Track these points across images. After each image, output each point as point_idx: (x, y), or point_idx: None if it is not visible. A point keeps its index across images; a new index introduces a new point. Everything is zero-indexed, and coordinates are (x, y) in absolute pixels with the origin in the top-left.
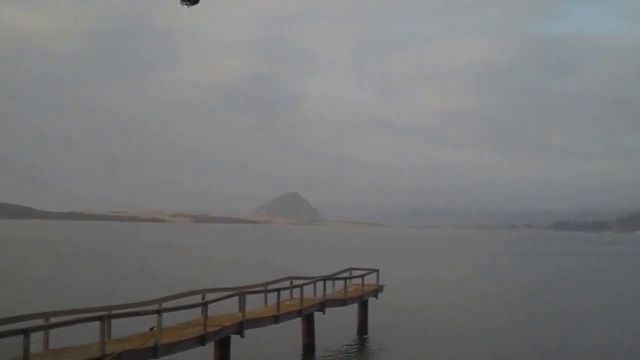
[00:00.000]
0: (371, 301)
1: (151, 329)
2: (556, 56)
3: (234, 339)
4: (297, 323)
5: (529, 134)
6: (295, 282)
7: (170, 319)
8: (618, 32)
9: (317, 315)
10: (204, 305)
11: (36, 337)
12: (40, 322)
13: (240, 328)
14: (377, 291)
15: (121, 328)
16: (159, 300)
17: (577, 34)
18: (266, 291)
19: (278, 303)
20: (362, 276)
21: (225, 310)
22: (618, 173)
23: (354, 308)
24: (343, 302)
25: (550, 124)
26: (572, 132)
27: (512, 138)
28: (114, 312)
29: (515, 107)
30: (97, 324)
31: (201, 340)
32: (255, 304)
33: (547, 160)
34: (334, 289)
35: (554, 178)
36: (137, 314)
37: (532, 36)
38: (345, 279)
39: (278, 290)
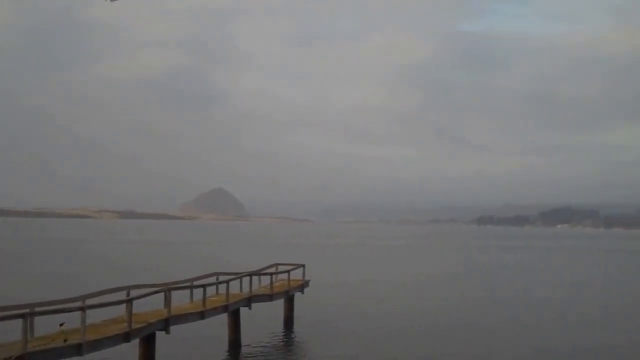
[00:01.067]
0: (297, 296)
1: (61, 325)
2: (479, 54)
3: (160, 335)
4: (223, 319)
5: (452, 130)
6: (222, 278)
7: (95, 316)
8: (539, 31)
9: (244, 311)
10: (129, 301)
11: None
12: None
13: (165, 324)
14: (303, 286)
15: (44, 327)
16: (83, 297)
17: (499, 32)
18: (192, 287)
19: (204, 299)
20: (288, 271)
21: (151, 307)
22: (539, 169)
23: (280, 303)
24: (269, 297)
25: (473, 121)
26: (495, 128)
27: (436, 134)
28: (37, 309)
29: (438, 103)
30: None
31: (126, 337)
32: (181, 301)
33: (471, 156)
34: (260, 284)
35: (477, 174)
36: (62, 310)
37: (455, 34)
38: (271, 274)
39: (204, 286)
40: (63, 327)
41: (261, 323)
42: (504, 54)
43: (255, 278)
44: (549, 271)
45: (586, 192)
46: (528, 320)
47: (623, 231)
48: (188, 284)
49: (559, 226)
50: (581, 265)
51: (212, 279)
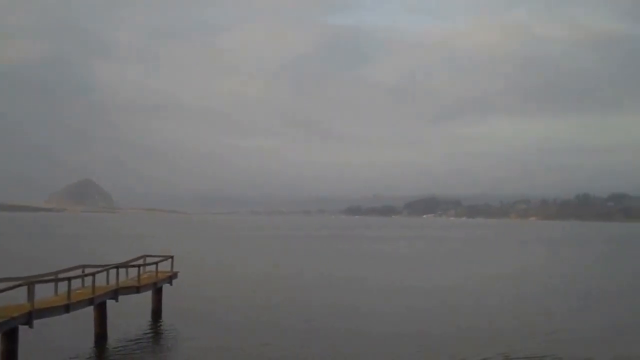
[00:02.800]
0: (165, 288)
1: None
2: (349, 47)
3: (23, 329)
4: (89, 312)
5: (323, 123)
6: (88, 271)
7: None
8: (407, 25)
9: (110, 304)
10: None
11: None
12: None
13: (28, 318)
14: (171, 278)
15: None
16: None
17: (368, 26)
18: (57, 280)
19: (69, 292)
20: (156, 263)
21: (13, 301)
22: (406, 161)
23: (148, 295)
24: (137, 289)
25: (344, 114)
26: (364, 121)
27: (307, 127)
28: None
29: (310, 96)
30: None
31: None
32: (45, 294)
33: (340, 148)
34: (128, 276)
35: (347, 165)
36: None
37: (326, 27)
38: (139, 266)
39: (69, 279)
40: None
41: (128, 316)
42: (372, 48)
43: (122, 270)
44: (395, 258)
45: (450, 183)
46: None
47: (484, 220)
48: (53, 277)
49: (424, 216)
50: (437, 252)
51: (78, 272)
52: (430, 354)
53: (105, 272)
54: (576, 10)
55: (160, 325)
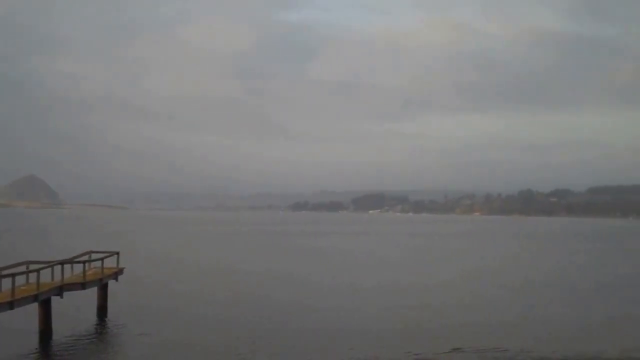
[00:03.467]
0: (111, 284)
1: None
2: (295, 43)
3: None
4: (33, 309)
5: (269, 118)
6: (33, 267)
7: None
8: (354, 22)
9: (55, 300)
10: None
11: None
12: None
13: None
14: (117, 274)
15: None
16: None
17: (315, 23)
18: (0, 276)
19: (13, 288)
20: (102, 259)
21: None
22: (353, 157)
23: (93, 291)
24: (82, 285)
25: (290, 110)
26: (311, 117)
27: (253, 123)
28: None
29: (257, 92)
30: None
31: None
32: None
33: (287, 144)
34: (73, 272)
35: (293, 161)
36: None
37: (273, 23)
38: (84, 262)
39: (13, 275)
40: None
41: (74, 312)
42: (319, 45)
43: (67, 266)
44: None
45: (397, 179)
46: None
47: (430, 216)
48: None
49: (370, 211)
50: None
51: (22, 268)
52: (384, 350)
53: (50, 269)
54: (518, 9)
55: (106, 321)
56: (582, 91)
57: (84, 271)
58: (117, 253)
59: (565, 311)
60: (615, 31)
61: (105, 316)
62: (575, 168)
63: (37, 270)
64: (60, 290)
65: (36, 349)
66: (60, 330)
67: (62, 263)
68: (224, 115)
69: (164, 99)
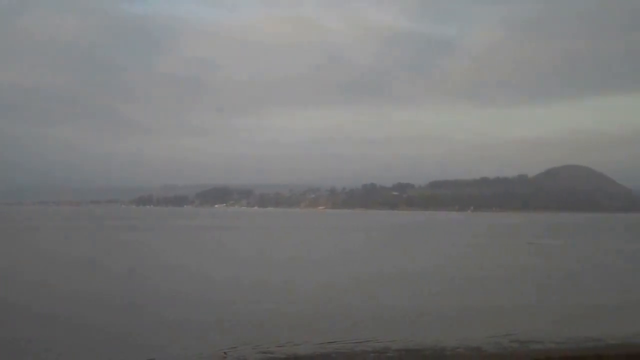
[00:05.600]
0: None
1: None
2: (141, 36)
3: None
4: None
5: (112, 111)
6: None
7: None
8: (200, 16)
9: None
10: None
11: None
12: None
13: None
14: None
15: None
16: None
17: (161, 16)
18: None
19: None
20: None
21: None
22: (198, 150)
23: None
24: None
25: (135, 103)
26: (155, 110)
27: (96, 115)
28: None
29: (99, 84)
30: None
31: None
32: None
33: (131, 137)
34: None
35: (138, 155)
36: None
37: (117, 14)
38: None
39: None
40: None
41: None
42: (165, 38)
43: None
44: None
45: (242, 172)
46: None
47: (275, 209)
48: None
49: (216, 205)
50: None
51: None
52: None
53: None
54: (364, 6)
55: None
56: (424, 88)
57: None
58: None
59: (402, 303)
60: (452, 31)
61: None
62: (417, 162)
63: None
64: None
65: None
66: None
67: None
68: (66, 108)
69: (3, 91)
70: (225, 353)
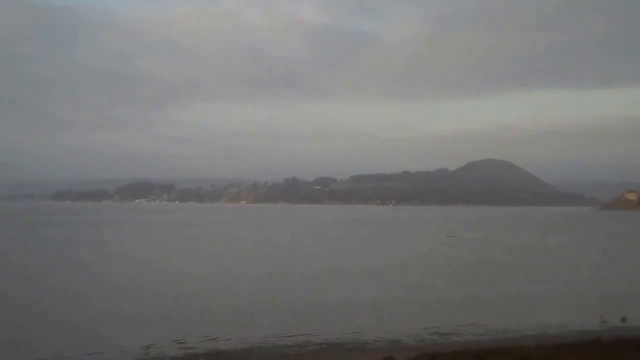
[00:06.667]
0: None
1: None
2: (58, 27)
3: None
4: None
5: (28, 104)
6: None
7: None
8: (120, 8)
9: None
10: None
11: None
12: None
13: None
14: None
15: None
16: None
17: (79, 7)
18: None
19: None
20: None
21: None
22: (117, 144)
23: None
24: None
25: (51, 95)
26: (72, 103)
27: (12, 108)
28: None
29: (14, 77)
30: None
31: None
32: None
33: (47, 129)
34: None
35: (55, 148)
36: None
37: (31, 5)
38: None
39: None
40: None
41: None
42: (83, 30)
43: None
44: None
45: (163, 167)
46: None
47: (197, 204)
48: None
49: (136, 200)
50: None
51: None
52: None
53: None
54: (285, 0)
55: None
56: (345, 82)
57: None
58: None
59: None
60: (373, 26)
61: None
62: (339, 157)
63: None
64: None
65: None
66: None
67: None
68: None
69: None
70: (146, 349)
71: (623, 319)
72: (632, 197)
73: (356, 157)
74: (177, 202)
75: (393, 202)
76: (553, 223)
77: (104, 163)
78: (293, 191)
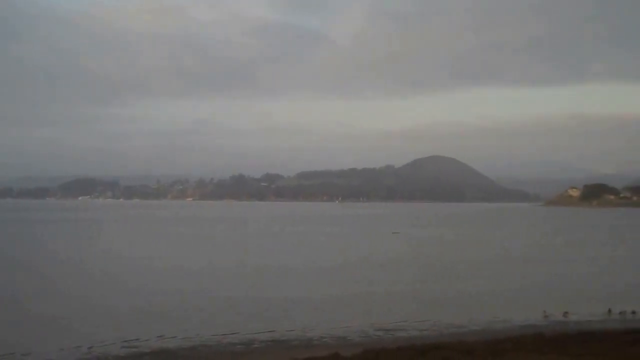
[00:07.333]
0: None
1: None
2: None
3: None
4: None
5: None
6: None
7: None
8: (64, 3)
9: None
10: None
11: None
12: None
13: None
14: None
15: None
16: None
17: (20, 1)
18: None
19: None
20: None
21: None
22: (60, 141)
23: None
24: None
25: None
26: (13, 99)
27: None
28: None
29: None
30: None
31: None
32: None
33: None
34: None
35: None
36: None
37: None
38: None
39: None
40: None
41: None
42: (24, 25)
43: None
44: None
45: (107, 164)
46: None
47: (141, 201)
48: None
49: (80, 198)
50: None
51: None
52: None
53: None
54: None
55: None
56: (291, 79)
57: None
58: None
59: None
60: (319, 23)
61: None
62: (285, 154)
63: None
64: None
65: None
66: None
67: None
68: None
69: None
70: (90, 349)
71: (565, 314)
72: (575, 193)
73: (302, 154)
74: (121, 200)
75: (339, 198)
76: (496, 219)
77: (46, 160)
78: (240, 188)
